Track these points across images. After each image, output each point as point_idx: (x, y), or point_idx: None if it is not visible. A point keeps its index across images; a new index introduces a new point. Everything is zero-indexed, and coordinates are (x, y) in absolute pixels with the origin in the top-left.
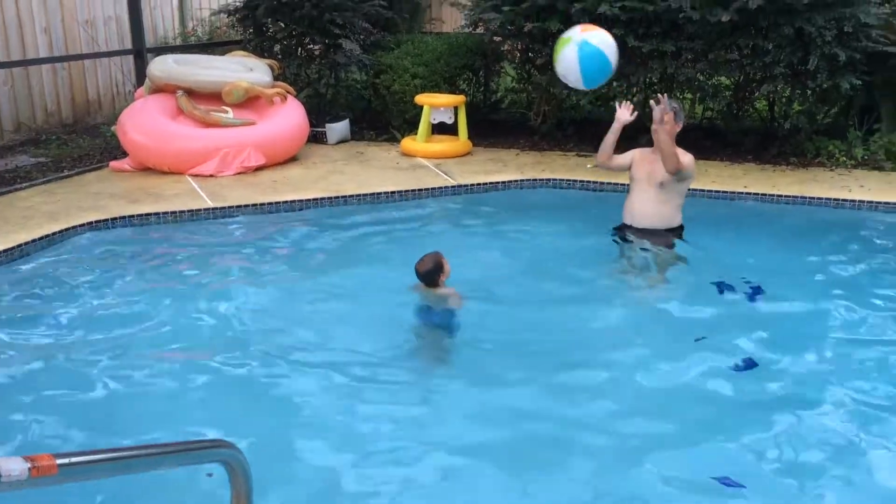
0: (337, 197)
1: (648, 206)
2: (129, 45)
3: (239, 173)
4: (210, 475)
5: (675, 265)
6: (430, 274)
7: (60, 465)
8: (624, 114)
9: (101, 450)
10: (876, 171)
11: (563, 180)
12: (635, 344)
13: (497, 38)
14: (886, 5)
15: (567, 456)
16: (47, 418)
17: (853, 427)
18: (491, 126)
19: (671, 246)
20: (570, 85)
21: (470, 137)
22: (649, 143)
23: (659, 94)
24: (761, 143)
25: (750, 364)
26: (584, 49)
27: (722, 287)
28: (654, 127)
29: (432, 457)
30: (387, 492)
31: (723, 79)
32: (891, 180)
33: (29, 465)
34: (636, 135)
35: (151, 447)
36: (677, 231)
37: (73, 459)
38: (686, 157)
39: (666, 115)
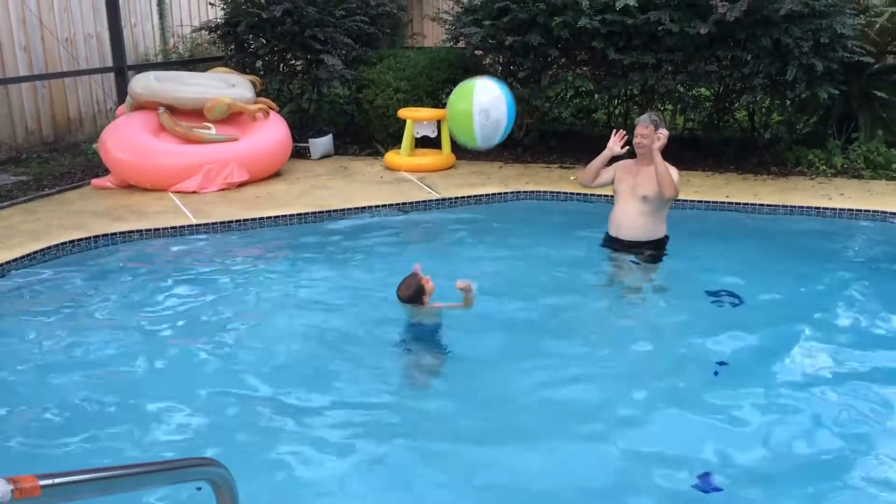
0: (321, 212)
1: (633, 218)
2: (109, 62)
3: (222, 189)
4: (199, 489)
5: (661, 276)
6: (413, 298)
7: (44, 487)
8: (616, 146)
9: (86, 470)
10: (855, 179)
11: (546, 192)
12: (623, 355)
13: (478, 52)
14: (861, 16)
15: (559, 466)
16: (30, 439)
17: (838, 432)
18: None
19: (657, 257)
20: (486, 124)
21: (453, 151)
22: (631, 155)
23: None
24: (742, 152)
25: (723, 365)
26: (505, 88)
27: (718, 297)
28: (638, 141)
29: (421, 470)
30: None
31: (703, 90)
32: (870, 188)
33: (12, 486)
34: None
35: (137, 466)
36: (662, 242)
37: (57, 480)
38: (674, 174)
39: (659, 133)
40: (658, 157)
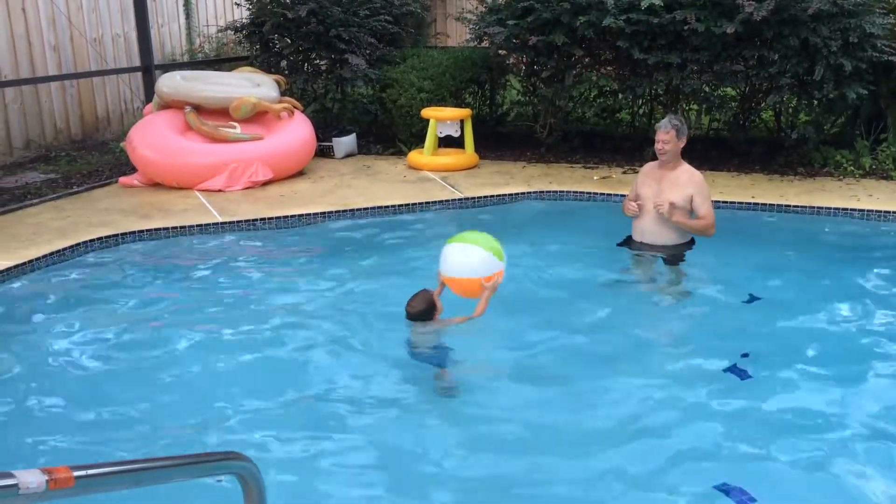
0: (345, 211)
1: (659, 224)
2: (137, 62)
3: (247, 188)
4: (220, 480)
5: (685, 277)
6: (424, 314)
7: (77, 478)
8: (629, 212)
9: (118, 462)
10: (884, 180)
11: (570, 192)
12: (644, 357)
13: (502, 52)
14: (892, 15)
15: (577, 472)
16: (63, 432)
17: (867, 437)
18: (497, 139)
19: (680, 260)
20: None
21: (476, 150)
22: (654, 157)
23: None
24: (768, 153)
25: (747, 375)
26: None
27: (751, 299)
28: (660, 148)
29: (438, 473)
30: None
31: (728, 90)
32: None
33: (46, 477)
34: (642, 145)
35: (167, 459)
36: (688, 245)
37: (90, 472)
38: (697, 180)
39: (664, 210)
40: (685, 221)
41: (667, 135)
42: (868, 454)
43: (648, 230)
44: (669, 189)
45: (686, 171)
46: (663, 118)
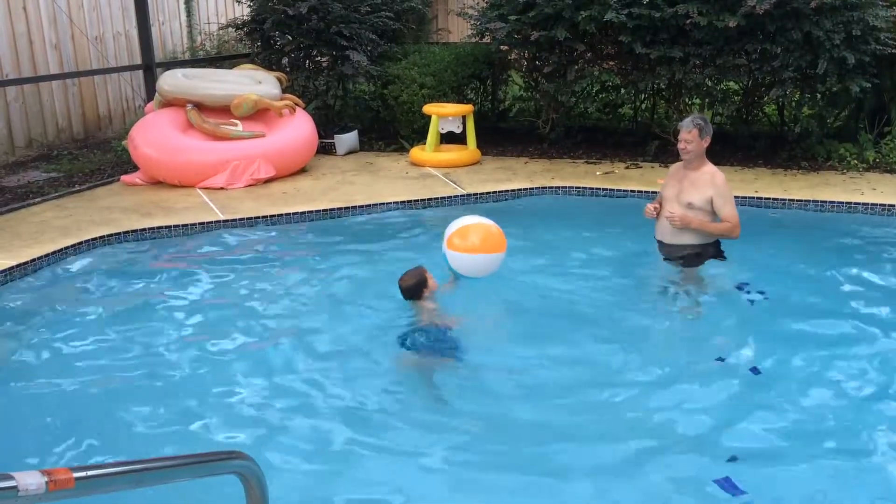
0: (347, 207)
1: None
2: (138, 60)
3: (249, 185)
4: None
5: (697, 281)
6: (414, 289)
7: (77, 479)
8: (647, 214)
9: (118, 463)
10: (888, 173)
11: (572, 188)
12: (647, 353)
13: (504, 48)
14: (895, 8)
15: (578, 470)
16: (63, 433)
17: (864, 433)
18: (499, 134)
19: (699, 260)
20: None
21: (478, 146)
22: (658, 152)
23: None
24: (772, 147)
25: (755, 371)
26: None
27: (741, 288)
28: (682, 147)
29: (442, 468)
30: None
31: (731, 84)
32: None
33: (46, 479)
34: (645, 139)
35: (168, 459)
36: (712, 245)
37: (90, 473)
38: (718, 181)
39: (676, 222)
40: (705, 226)
41: (689, 134)
42: (880, 448)
43: (668, 231)
44: (690, 190)
45: (708, 171)
46: (687, 117)
